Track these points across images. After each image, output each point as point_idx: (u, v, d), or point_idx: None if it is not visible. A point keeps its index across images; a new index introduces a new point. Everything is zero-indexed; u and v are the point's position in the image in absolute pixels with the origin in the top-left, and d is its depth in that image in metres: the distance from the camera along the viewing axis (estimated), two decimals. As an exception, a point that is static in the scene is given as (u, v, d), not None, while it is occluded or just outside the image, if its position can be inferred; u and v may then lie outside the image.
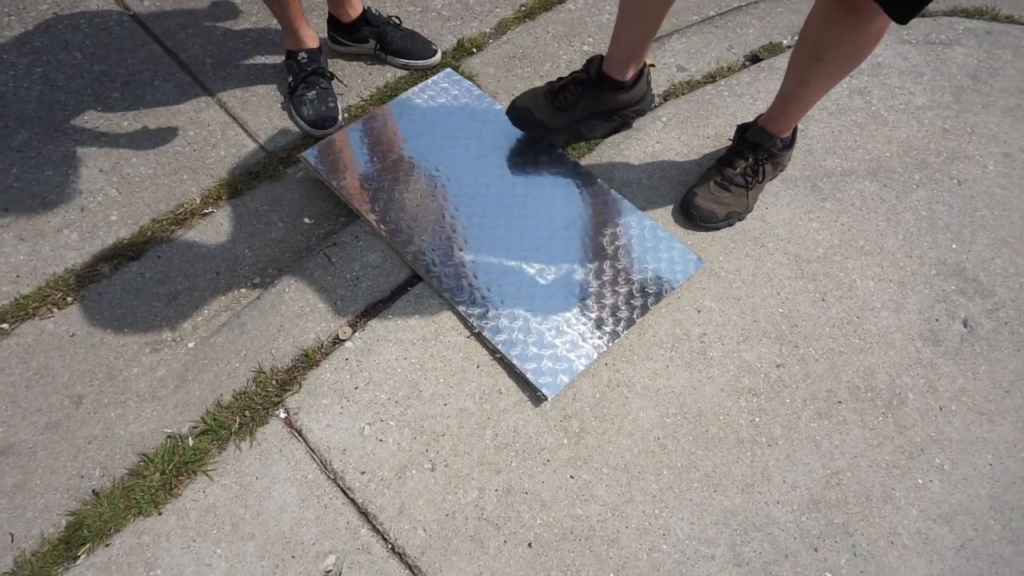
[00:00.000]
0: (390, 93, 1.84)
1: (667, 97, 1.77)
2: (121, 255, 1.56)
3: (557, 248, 1.46)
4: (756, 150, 1.50)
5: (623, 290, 1.41)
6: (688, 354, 1.38)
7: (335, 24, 1.87)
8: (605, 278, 1.42)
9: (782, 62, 1.80)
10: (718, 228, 1.52)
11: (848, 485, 1.26)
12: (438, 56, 1.89)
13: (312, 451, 1.26)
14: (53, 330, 1.45)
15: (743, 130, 1.54)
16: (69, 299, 1.49)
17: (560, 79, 1.57)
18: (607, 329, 1.36)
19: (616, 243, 1.47)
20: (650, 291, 1.41)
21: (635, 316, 1.38)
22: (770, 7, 1.97)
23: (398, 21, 1.90)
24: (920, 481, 1.27)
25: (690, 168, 1.62)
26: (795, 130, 1.53)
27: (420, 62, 1.88)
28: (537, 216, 1.50)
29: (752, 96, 1.74)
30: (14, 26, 2.00)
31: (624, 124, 1.63)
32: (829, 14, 1.20)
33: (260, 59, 1.92)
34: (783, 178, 1.61)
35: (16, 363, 1.41)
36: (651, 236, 1.48)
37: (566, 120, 1.55)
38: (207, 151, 1.74)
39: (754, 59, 1.84)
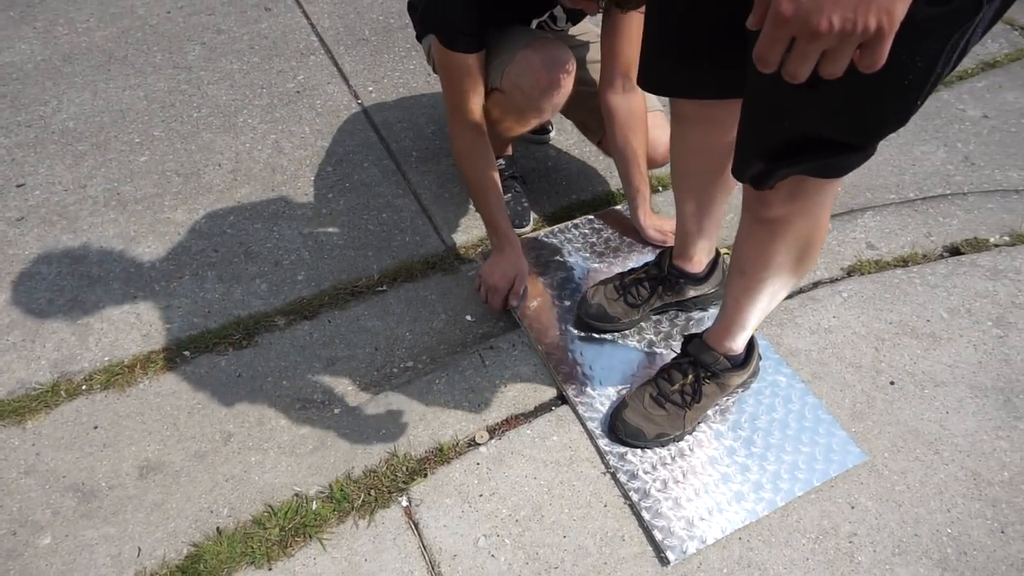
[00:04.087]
0: (570, 214, 1.92)
1: (851, 272, 1.71)
2: (298, 312, 1.69)
3: (709, 403, 1.41)
4: (696, 367, 1.35)
5: (771, 468, 1.32)
6: (833, 551, 1.26)
7: None
8: (754, 450, 1.35)
9: (987, 260, 1.69)
10: (646, 448, 1.36)
11: None
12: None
13: (424, 548, 1.26)
14: (224, 367, 1.58)
15: (686, 342, 1.39)
16: (244, 342, 1.62)
17: (632, 271, 1.56)
18: (746, 506, 1.27)
19: (772, 415, 1.39)
20: (800, 476, 1.31)
21: (779, 499, 1.28)
22: (980, 200, 1.87)
23: (519, 187, 1.93)
24: None
25: (866, 351, 1.53)
26: (751, 350, 1.36)
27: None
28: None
29: (947, 289, 1.64)
30: (263, 97, 2.31)
31: (703, 308, 1.60)
32: (744, 224, 1.11)
33: (459, 161, 2.08)
34: (971, 384, 1.47)
35: (187, 389, 1.54)
36: (811, 416, 1.39)
37: (640, 314, 1.54)
38: (394, 234, 1.87)
39: (954, 251, 1.74)
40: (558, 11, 1.57)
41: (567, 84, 1.51)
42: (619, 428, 1.36)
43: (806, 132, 0.85)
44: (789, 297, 1.64)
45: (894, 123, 0.82)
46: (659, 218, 1.74)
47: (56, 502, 1.35)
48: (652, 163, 1.71)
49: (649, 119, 1.64)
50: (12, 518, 1.33)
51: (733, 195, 1.33)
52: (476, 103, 1.50)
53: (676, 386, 1.36)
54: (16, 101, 2.27)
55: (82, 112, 2.24)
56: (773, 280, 1.15)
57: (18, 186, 1.99)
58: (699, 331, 1.38)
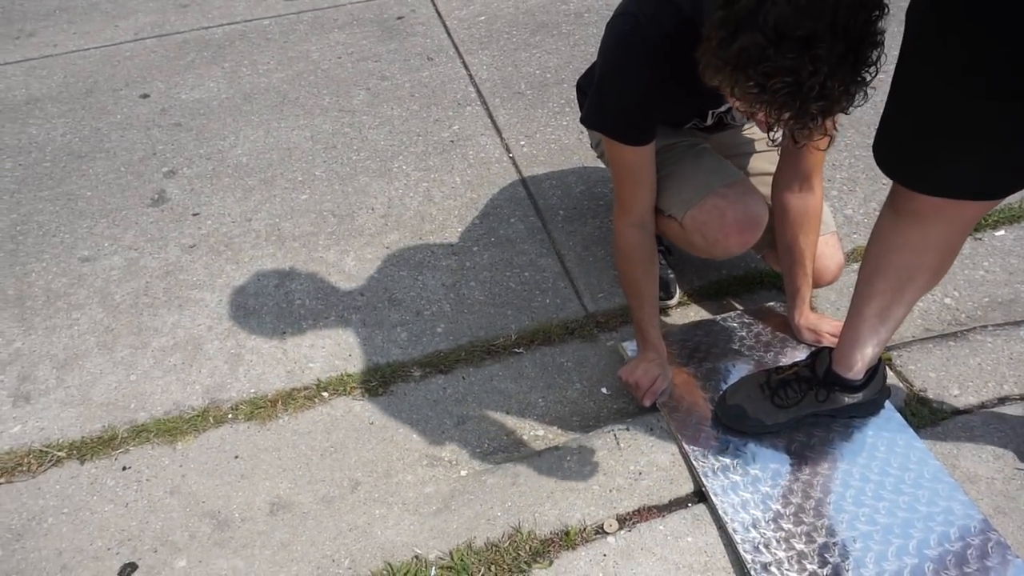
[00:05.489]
0: (719, 291, 1.83)
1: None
2: (434, 365, 1.69)
3: (866, 536, 1.26)
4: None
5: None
6: None
7: None
8: (925, 583, 1.19)
9: None
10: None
11: None
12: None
13: (541, 640, 1.19)
14: (359, 413, 1.60)
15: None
16: (380, 390, 1.65)
17: (780, 369, 1.43)
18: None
19: (946, 546, 1.23)
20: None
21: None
22: None
23: (664, 259, 1.85)
24: None
25: (1063, 486, 1.33)
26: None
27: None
28: (849, 492, 1.33)
29: None
30: (419, 144, 2.39)
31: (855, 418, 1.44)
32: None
33: (607, 223, 2.04)
34: None
35: (321, 430, 1.57)
36: (997, 556, 1.21)
37: (787, 417, 1.40)
38: (535, 295, 1.86)
39: None
40: None
41: (754, 240, 1.47)
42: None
43: None
44: (969, 412, 1.46)
45: None
46: (817, 316, 1.61)
47: (194, 526, 1.41)
48: (816, 285, 1.60)
49: (821, 242, 1.53)
50: (155, 536, 1.40)
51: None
52: (648, 199, 1.45)
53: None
54: (201, 135, 2.48)
55: (255, 148, 2.41)
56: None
57: (194, 215, 2.15)
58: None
